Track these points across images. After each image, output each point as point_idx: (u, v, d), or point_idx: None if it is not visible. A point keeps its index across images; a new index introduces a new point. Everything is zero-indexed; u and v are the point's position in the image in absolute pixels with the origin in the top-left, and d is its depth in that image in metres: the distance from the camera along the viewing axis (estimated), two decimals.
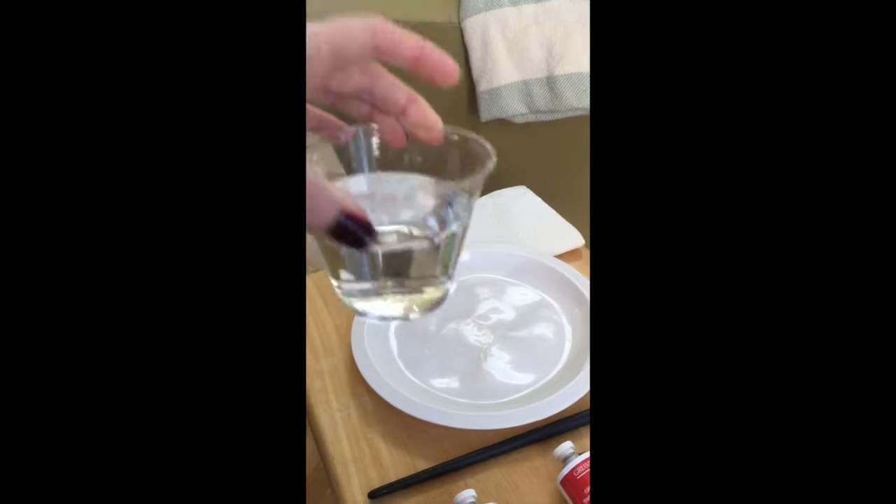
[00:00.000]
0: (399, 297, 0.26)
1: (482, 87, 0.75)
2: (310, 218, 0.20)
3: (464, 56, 0.76)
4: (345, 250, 0.23)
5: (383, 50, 0.21)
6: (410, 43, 0.21)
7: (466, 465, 0.40)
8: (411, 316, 0.27)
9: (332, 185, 0.19)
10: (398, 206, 0.25)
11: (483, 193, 0.69)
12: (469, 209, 0.24)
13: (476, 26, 0.73)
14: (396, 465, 0.41)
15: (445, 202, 0.23)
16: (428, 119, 0.24)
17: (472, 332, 0.50)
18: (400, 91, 0.24)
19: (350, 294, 0.27)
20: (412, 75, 0.21)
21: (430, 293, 0.26)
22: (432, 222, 0.25)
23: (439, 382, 0.46)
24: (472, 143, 0.25)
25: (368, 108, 0.24)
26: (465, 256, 0.56)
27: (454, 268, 0.27)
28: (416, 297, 0.26)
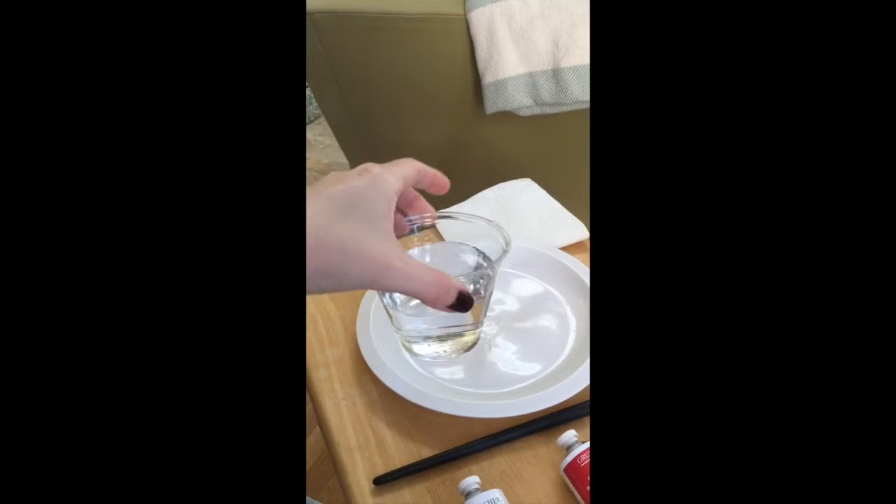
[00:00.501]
0: (446, 342, 0.37)
1: (487, 79, 0.75)
2: (439, 301, 0.28)
3: (469, 48, 0.75)
4: (408, 315, 0.35)
5: (419, 181, 0.32)
6: (430, 173, 0.32)
7: (470, 452, 0.40)
8: (453, 355, 0.38)
9: (451, 276, 0.29)
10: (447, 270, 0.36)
11: (487, 185, 0.69)
12: (495, 276, 0.34)
13: (482, 18, 0.73)
14: (401, 452, 0.41)
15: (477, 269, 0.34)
16: (428, 209, 0.35)
17: None
18: (411, 192, 0.34)
19: (410, 340, 0.38)
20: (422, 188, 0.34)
21: (468, 337, 0.37)
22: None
23: (444, 372, 0.46)
24: (481, 222, 0.36)
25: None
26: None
27: (484, 317, 0.37)
28: (459, 341, 0.37)
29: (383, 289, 0.28)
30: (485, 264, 0.35)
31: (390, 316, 0.37)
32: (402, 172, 0.30)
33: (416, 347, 0.38)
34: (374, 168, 0.29)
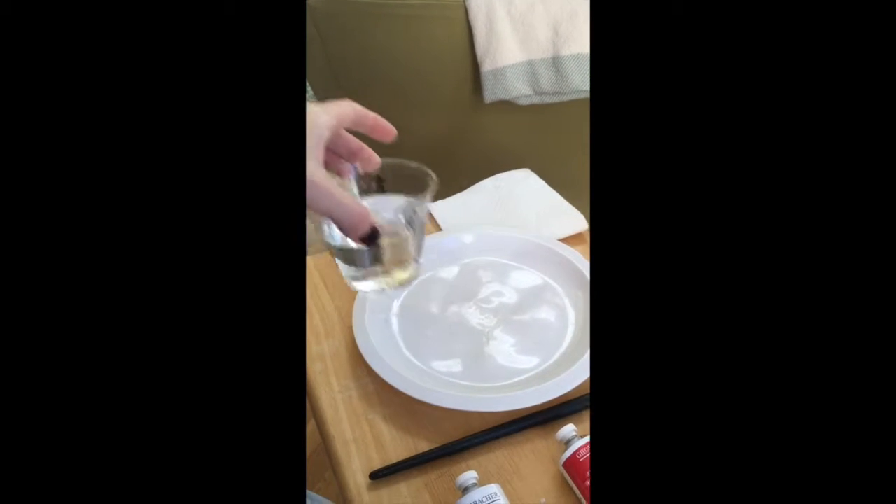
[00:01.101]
0: (380, 278, 0.39)
1: (486, 67, 0.74)
2: (353, 230, 0.31)
3: (468, 35, 0.74)
4: (343, 250, 0.36)
5: (358, 122, 0.34)
6: (370, 116, 0.34)
7: (468, 447, 0.40)
8: (389, 290, 0.41)
9: (372, 213, 0.31)
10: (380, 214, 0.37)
11: (485, 176, 0.68)
12: (424, 214, 0.38)
13: (481, 4, 0.72)
14: (398, 446, 0.41)
15: (408, 211, 0.37)
16: (372, 157, 0.37)
17: (474, 316, 0.50)
18: (354, 142, 0.37)
19: (350, 278, 0.40)
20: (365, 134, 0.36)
21: (401, 274, 0.39)
22: (400, 220, 0.37)
23: (441, 365, 0.46)
24: (409, 167, 0.39)
25: (330, 154, 0.36)
26: (468, 239, 0.56)
27: (420, 255, 0.39)
28: (391, 278, 0.39)
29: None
30: (417, 203, 0.38)
31: (336, 253, 0.39)
32: (337, 111, 0.32)
33: (356, 284, 0.40)
34: (307, 104, 0.30)
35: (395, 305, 0.52)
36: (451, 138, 0.84)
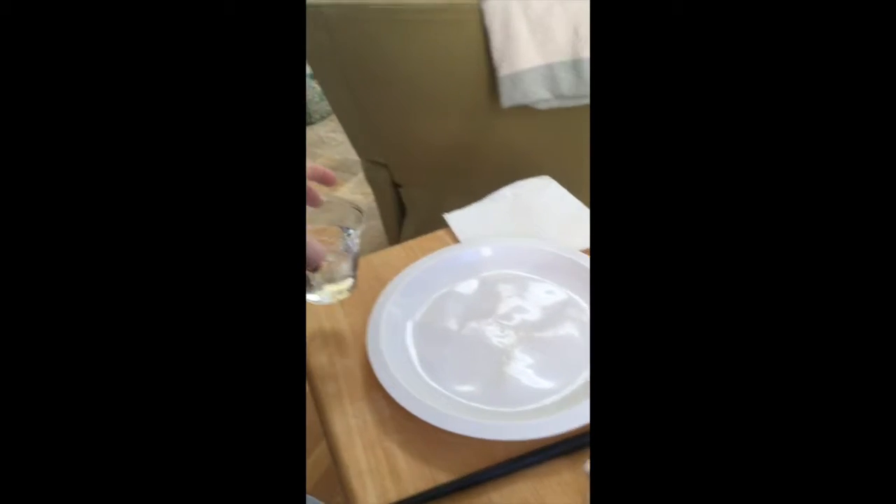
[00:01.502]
0: (317, 292, 0.46)
1: (503, 71, 0.72)
2: (309, 265, 0.36)
3: (483, 39, 0.72)
4: None
5: (310, 175, 0.41)
6: (320, 171, 0.41)
7: (490, 478, 0.37)
8: (329, 301, 0.47)
9: (324, 252, 0.37)
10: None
11: (504, 184, 0.65)
12: (357, 241, 0.45)
13: (496, 7, 0.70)
14: (414, 476, 0.38)
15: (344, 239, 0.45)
16: (316, 195, 0.44)
17: (494, 333, 0.47)
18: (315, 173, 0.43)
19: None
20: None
21: (334, 288, 0.46)
22: (341, 246, 0.45)
23: (459, 387, 0.43)
24: (347, 202, 0.46)
25: None
26: (486, 251, 0.54)
27: (355, 272, 0.47)
28: (323, 291, 0.46)
29: None
30: (352, 232, 0.46)
31: None
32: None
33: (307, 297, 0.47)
34: None
35: (411, 323, 0.49)
36: (467, 145, 0.82)
